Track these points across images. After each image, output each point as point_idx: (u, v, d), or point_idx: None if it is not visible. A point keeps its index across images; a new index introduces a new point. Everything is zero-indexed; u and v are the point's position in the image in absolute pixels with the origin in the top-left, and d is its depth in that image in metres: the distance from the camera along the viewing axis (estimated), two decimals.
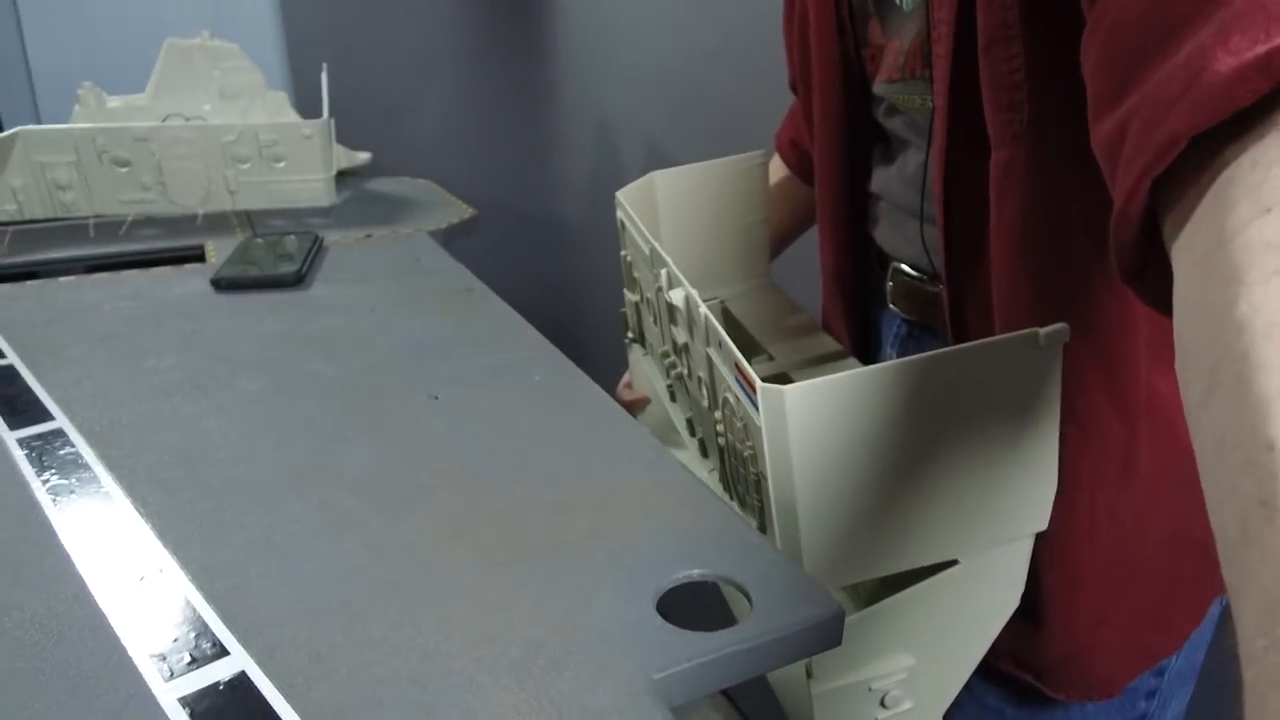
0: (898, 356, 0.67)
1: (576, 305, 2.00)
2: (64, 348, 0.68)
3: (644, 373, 0.79)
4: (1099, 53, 0.33)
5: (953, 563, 0.49)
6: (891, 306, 0.67)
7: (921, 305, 0.64)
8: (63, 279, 0.85)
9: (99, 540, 0.45)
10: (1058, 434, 0.47)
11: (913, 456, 0.44)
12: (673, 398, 0.70)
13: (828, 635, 0.39)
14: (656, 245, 0.60)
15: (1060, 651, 0.59)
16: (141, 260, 0.95)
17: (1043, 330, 0.43)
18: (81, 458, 0.53)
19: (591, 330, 1.91)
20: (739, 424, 0.48)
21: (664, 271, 0.59)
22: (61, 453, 0.53)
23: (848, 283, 0.71)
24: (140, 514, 0.47)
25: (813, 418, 0.42)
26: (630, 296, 0.77)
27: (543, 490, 0.49)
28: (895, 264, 0.65)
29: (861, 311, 0.72)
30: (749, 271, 0.82)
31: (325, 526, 0.46)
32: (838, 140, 0.66)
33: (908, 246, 0.64)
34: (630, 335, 0.80)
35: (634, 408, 0.83)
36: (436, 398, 0.60)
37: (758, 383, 0.42)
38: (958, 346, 0.43)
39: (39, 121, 1.76)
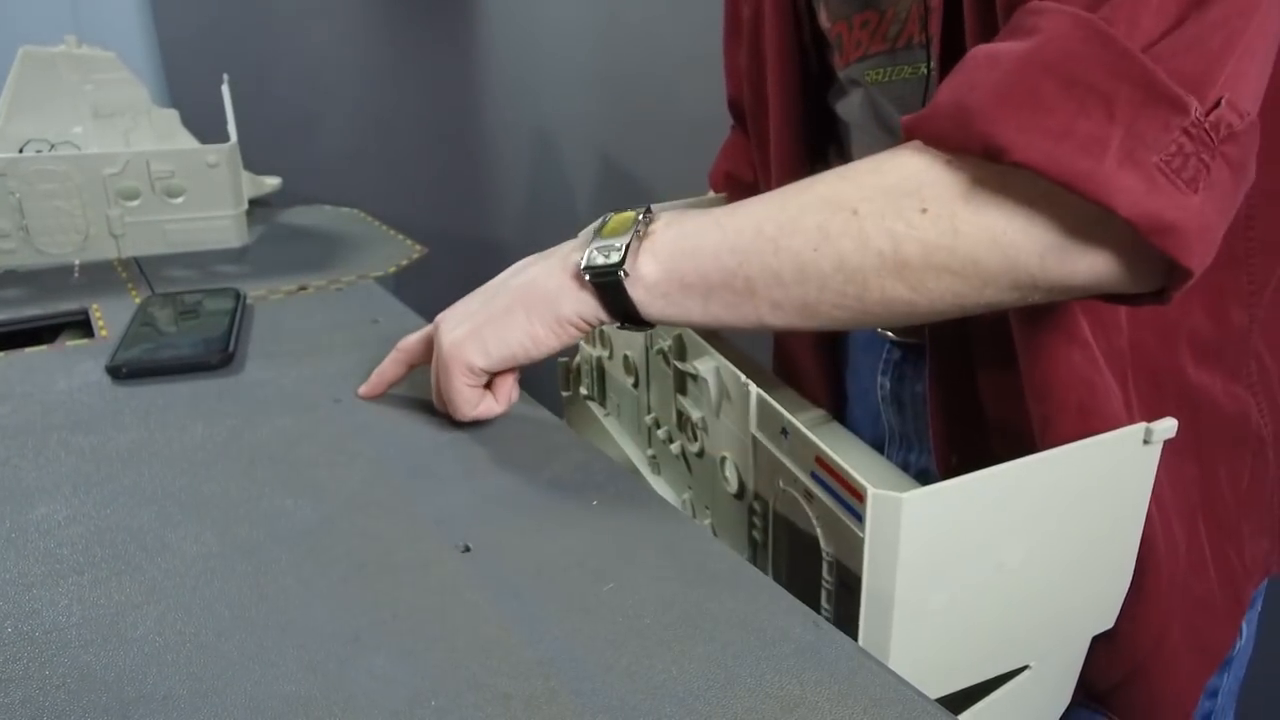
0: (892, 385, 0.65)
1: None
2: None
3: (589, 432, 0.74)
4: None
5: (1022, 668, 0.48)
6: (880, 331, 0.65)
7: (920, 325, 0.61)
8: None
9: None
10: (1141, 531, 0.47)
11: (1008, 561, 0.43)
12: (655, 470, 0.65)
13: None
14: None
15: (1128, 666, 0.55)
16: (3, 333, 0.74)
17: (1154, 425, 0.43)
18: None
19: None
20: (805, 525, 0.44)
21: (679, 334, 0.54)
22: None
23: None
24: None
25: (926, 525, 0.39)
26: (590, 351, 0.70)
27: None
28: None
29: (831, 342, 0.69)
30: None
31: None
32: (799, 144, 0.64)
33: None
34: (584, 392, 0.73)
35: None
36: (468, 549, 0.43)
37: (869, 489, 0.38)
38: (1068, 446, 0.42)
39: None
